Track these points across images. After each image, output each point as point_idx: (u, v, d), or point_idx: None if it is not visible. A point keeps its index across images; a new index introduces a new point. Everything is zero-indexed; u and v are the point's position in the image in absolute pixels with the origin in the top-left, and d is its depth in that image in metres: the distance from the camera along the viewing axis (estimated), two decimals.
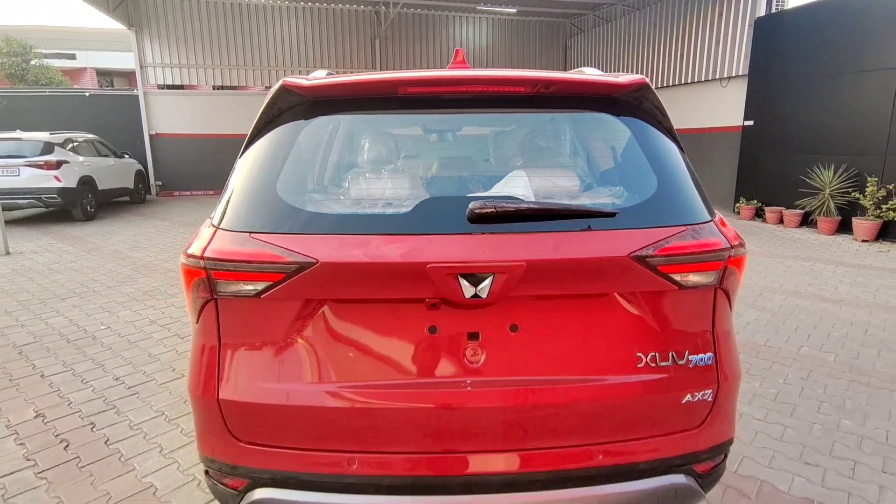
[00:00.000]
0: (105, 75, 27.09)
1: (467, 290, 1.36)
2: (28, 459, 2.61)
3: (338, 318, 1.47)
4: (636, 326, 1.50)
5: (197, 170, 14.02)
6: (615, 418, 1.48)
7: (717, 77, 11.01)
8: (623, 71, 13.92)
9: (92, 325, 4.51)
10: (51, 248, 7.67)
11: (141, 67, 13.43)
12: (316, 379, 1.46)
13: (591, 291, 1.47)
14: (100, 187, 10.36)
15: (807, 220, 8.84)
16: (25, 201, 9.07)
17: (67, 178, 9.35)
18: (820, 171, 8.41)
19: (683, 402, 1.50)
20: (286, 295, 1.42)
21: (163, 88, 14.00)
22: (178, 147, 13.91)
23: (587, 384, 1.46)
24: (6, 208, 8.96)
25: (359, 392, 1.45)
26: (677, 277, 1.47)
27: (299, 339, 1.47)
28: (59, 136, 9.84)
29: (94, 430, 2.89)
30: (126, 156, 12.00)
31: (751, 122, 10.05)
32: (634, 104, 1.65)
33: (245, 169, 1.57)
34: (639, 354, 1.49)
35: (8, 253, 7.26)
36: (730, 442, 1.65)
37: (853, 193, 8.01)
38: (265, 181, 1.52)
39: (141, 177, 12.58)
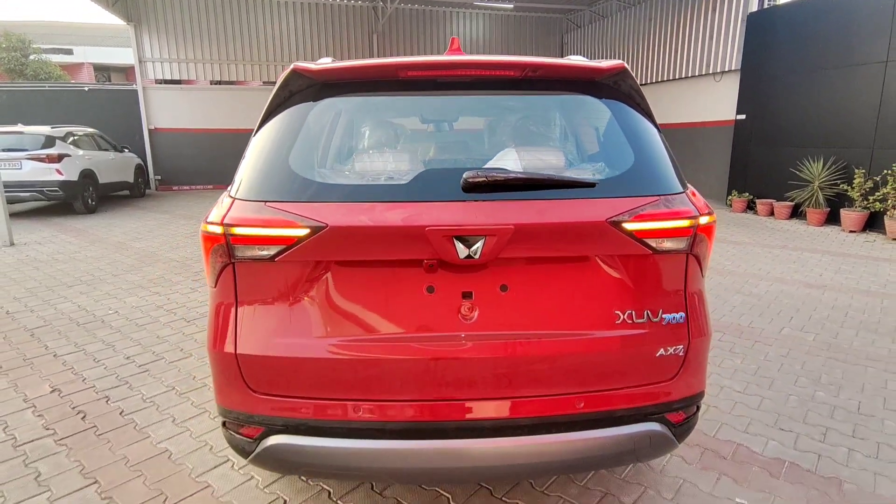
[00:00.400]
0: (102, 70, 27.11)
1: (461, 251, 1.52)
2: (47, 429, 2.76)
3: (345, 278, 1.63)
4: (615, 287, 1.66)
5: (196, 164, 14.13)
6: (595, 370, 1.64)
7: (711, 72, 11.17)
8: None
9: (100, 310, 4.65)
10: (54, 239, 7.80)
11: (140, 62, 13.52)
12: (324, 334, 1.62)
13: (573, 254, 1.63)
14: (100, 181, 10.47)
15: (797, 212, 9.03)
16: (28, 194, 9.18)
17: (69, 172, 9.46)
18: (809, 163, 8.59)
19: (657, 355, 1.66)
20: (298, 257, 1.57)
21: (161, 83, 14.08)
22: (177, 142, 14.02)
23: (570, 338, 1.62)
24: (10, 201, 9.08)
25: (363, 345, 1.60)
26: (652, 243, 1.62)
27: (309, 298, 1.63)
28: (60, 130, 9.95)
29: (108, 402, 3.04)
30: (126, 150, 12.10)
31: (743, 116, 10.23)
32: (614, 87, 1.80)
33: (259, 144, 1.72)
34: (617, 312, 1.65)
35: (12, 244, 7.38)
36: (700, 395, 1.81)
37: (841, 185, 8.20)
38: (278, 155, 1.67)
39: (140, 171, 12.69)
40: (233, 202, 1.64)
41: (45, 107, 13.09)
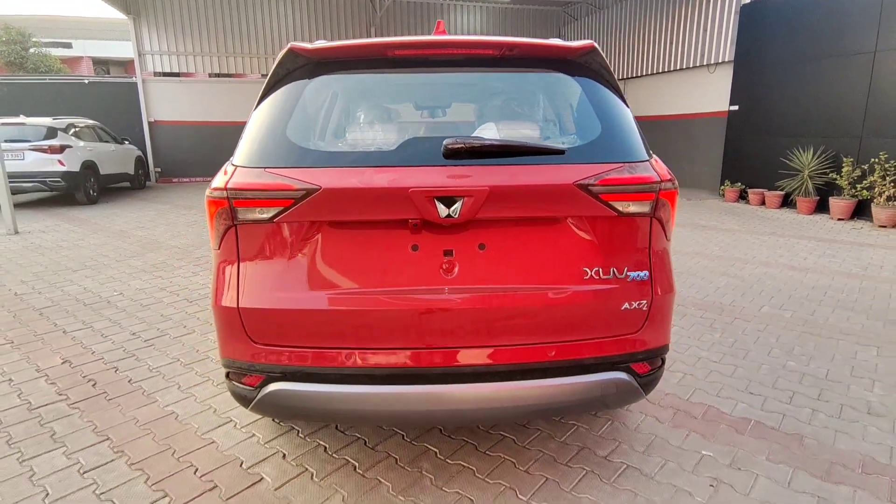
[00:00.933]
0: (101, 64, 27.19)
1: (442, 211, 1.68)
2: (60, 394, 2.93)
3: (337, 238, 1.79)
4: (584, 246, 1.82)
5: (196, 156, 14.26)
6: (565, 321, 1.80)
7: (705, 63, 11.30)
8: (616, 58, 14.20)
9: (105, 292, 4.81)
10: (58, 228, 7.95)
11: (139, 55, 13.63)
12: (318, 288, 1.78)
13: (545, 215, 1.79)
14: (101, 172, 10.61)
15: (787, 201, 9.19)
16: (30, 185, 9.33)
17: (70, 162, 9.61)
18: (799, 153, 8.75)
19: (622, 309, 1.83)
20: (294, 218, 1.74)
21: (160, 76, 14.20)
22: (177, 134, 14.15)
23: (542, 292, 1.78)
24: (13, 192, 9.23)
25: (354, 298, 1.77)
26: (617, 206, 1.79)
27: (304, 256, 1.79)
28: (62, 122, 10.08)
29: (117, 372, 3.21)
30: (126, 142, 12.24)
31: (736, 107, 10.37)
32: (585, 65, 1.96)
33: (259, 117, 1.88)
34: (585, 269, 1.81)
35: (17, 232, 7.54)
36: (664, 348, 1.97)
37: (830, 174, 8.35)
38: (276, 126, 1.83)
39: (141, 163, 12.83)
40: (235, 169, 1.80)
41: (45, 99, 13.22)
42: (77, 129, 10.35)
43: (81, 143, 10.15)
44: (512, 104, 2.20)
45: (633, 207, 1.81)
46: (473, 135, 1.93)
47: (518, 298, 1.77)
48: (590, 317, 1.82)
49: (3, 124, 9.47)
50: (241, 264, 1.81)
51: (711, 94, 11.21)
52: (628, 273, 1.84)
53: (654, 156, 1.92)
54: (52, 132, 9.63)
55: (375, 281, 1.78)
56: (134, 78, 13.90)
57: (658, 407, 2.75)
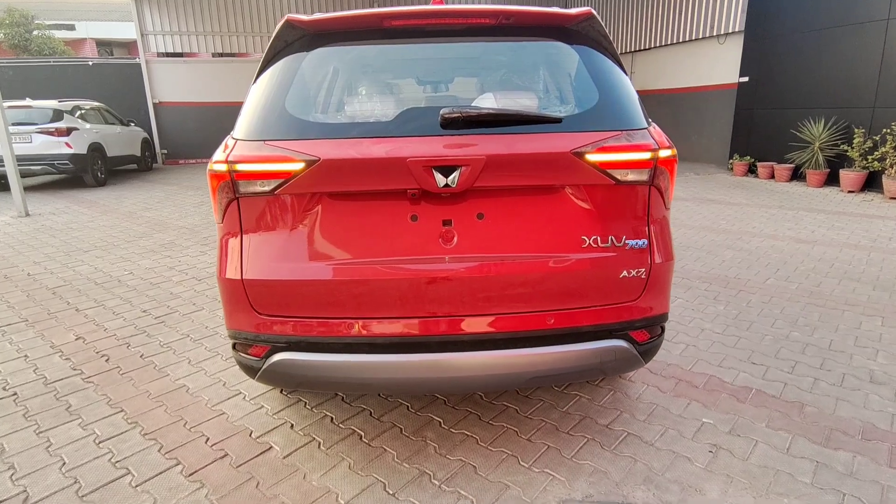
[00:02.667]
0: (105, 46, 27.08)
1: (440, 180, 1.69)
2: (74, 369, 3.01)
3: (338, 209, 1.81)
4: (582, 215, 1.83)
5: (201, 137, 14.26)
6: (564, 289, 1.82)
7: (714, 34, 11.06)
8: (622, 31, 13.93)
9: (116, 272, 4.89)
10: (67, 210, 8.04)
11: (142, 35, 13.55)
12: (320, 258, 1.81)
13: (542, 183, 1.79)
14: (108, 154, 10.67)
15: (797, 175, 9.07)
16: (39, 167, 9.41)
17: (77, 145, 9.66)
18: (811, 124, 8.60)
19: (620, 277, 1.84)
20: (295, 190, 1.76)
21: (164, 56, 14.13)
22: (182, 115, 14.14)
23: (541, 260, 1.80)
24: (23, 175, 9.30)
25: (355, 268, 1.79)
26: (615, 174, 1.79)
27: (305, 227, 1.81)
28: (68, 104, 10.11)
29: (129, 348, 3.28)
30: (132, 124, 12.26)
31: (746, 79, 10.18)
32: (583, 32, 1.94)
33: (258, 91, 1.89)
34: (584, 237, 1.82)
35: (28, 214, 7.64)
36: (663, 317, 1.99)
37: (841, 146, 8.22)
38: (275, 99, 1.84)
39: (147, 145, 12.86)
40: (235, 143, 1.82)
41: (50, 82, 13.23)
42: (83, 112, 10.37)
43: (88, 126, 10.19)
44: (510, 74, 2.18)
45: (630, 176, 1.81)
46: (472, 105, 1.93)
47: (517, 267, 1.79)
48: (588, 285, 1.84)
49: (10, 107, 9.50)
50: (244, 237, 1.84)
51: (720, 65, 10.99)
52: (627, 241, 1.85)
53: (652, 123, 1.91)
54: (58, 115, 9.67)
55: (376, 251, 1.80)
56: (137, 59, 13.85)
57: (660, 377, 2.78)
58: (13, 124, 9.22)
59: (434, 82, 2.22)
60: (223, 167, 1.77)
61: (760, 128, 9.90)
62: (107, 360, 3.11)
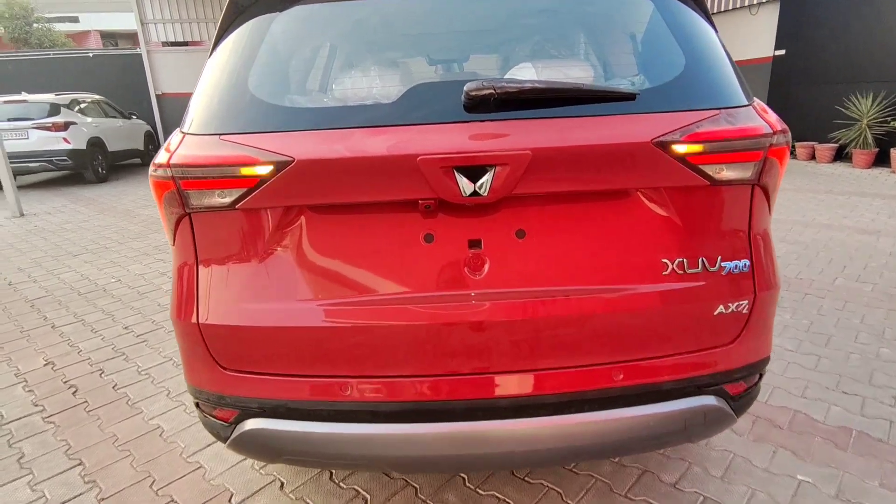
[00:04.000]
0: (109, 37, 26.70)
1: (465, 186, 1.18)
2: (36, 405, 2.59)
3: (323, 227, 1.31)
4: (661, 229, 1.31)
5: None
6: (637, 333, 1.32)
7: (746, 4, 10.26)
8: None
9: (103, 279, 4.47)
10: (64, 209, 7.67)
11: (142, 24, 13.07)
12: (302, 297, 1.32)
13: (608, 187, 1.28)
14: (109, 149, 10.27)
15: (841, 155, 8.36)
16: (37, 164, 9.05)
17: (76, 140, 9.27)
18: (857, 100, 7.87)
19: (715, 314, 1.33)
20: (263, 202, 1.26)
21: (166, 46, 13.67)
22: (186, 106, 13.67)
23: (605, 295, 1.29)
24: (20, 172, 8.98)
25: (349, 310, 1.30)
26: (709, 170, 1.26)
27: (282, 254, 1.32)
28: (65, 98, 9.72)
29: (102, 375, 2.85)
30: (133, 117, 11.85)
31: (782, 52, 9.41)
32: None
33: (214, 66, 1.39)
34: (664, 261, 1.31)
35: (22, 215, 7.28)
36: (766, 360, 1.48)
37: (892, 122, 7.50)
38: (235, 77, 1.34)
39: (150, 138, 12.46)
40: (182, 138, 1.33)
41: (50, 75, 12.86)
42: (82, 106, 9.98)
43: (87, 120, 9.80)
44: (556, 37, 1.64)
45: (729, 172, 1.29)
46: (507, 78, 1.40)
47: (572, 304, 1.28)
48: (671, 326, 1.33)
49: (5, 102, 9.14)
50: (200, 267, 1.36)
51: (753, 38, 10.20)
52: (723, 263, 1.33)
53: (755, 98, 1.38)
54: (55, 109, 9.28)
55: (376, 285, 1.31)
56: (139, 49, 13.39)
57: None
58: (8, 120, 8.88)
59: (452, 49, 1.65)
60: (165, 172, 1.29)
61: (799, 105, 9.16)
62: (74, 393, 2.68)
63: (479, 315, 1.27)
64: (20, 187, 9.19)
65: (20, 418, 2.49)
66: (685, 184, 1.27)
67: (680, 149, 1.22)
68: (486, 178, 1.18)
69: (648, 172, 1.25)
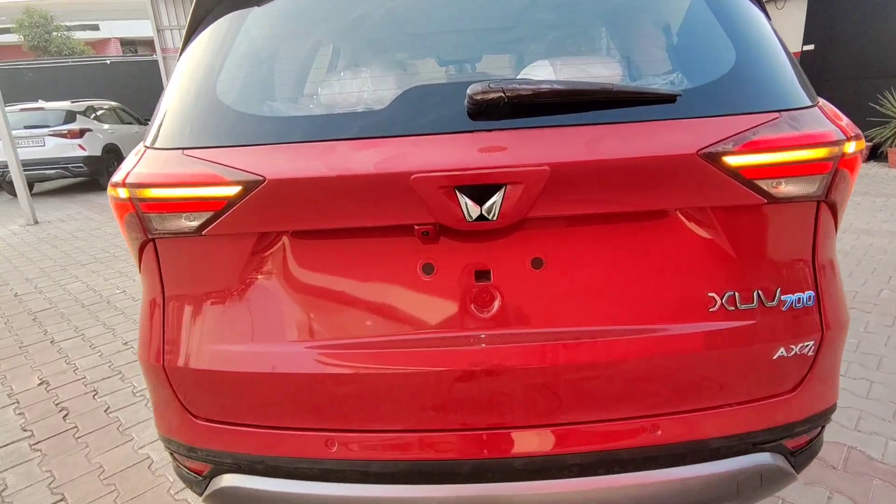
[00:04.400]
0: (129, 45, 27.07)
1: (470, 209, 0.98)
2: (25, 430, 2.46)
3: (306, 257, 1.12)
4: (707, 257, 1.09)
5: None
6: (680, 382, 1.10)
7: None
8: None
9: (107, 290, 4.37)
10: (78, 216, 7.66)
11: (158, 31, 13.10)
12: (281, 338, 1.13)
13: (643, 208, 1.06)
14: (125, 155, 10.21)
15: (875, 154, 7.95)
16: (53, 171, 9.08)
17: (92, 147, 9.29)
18: (892, 95, 7.46)
19: (775, 357, 1.10)
20: (233, 228, 1.08)
21: None
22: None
23: (641, 336, 1.07)
24: (37, 180, 9.02)
25: (335, 353, 1.11)
26: (766, 186, 1.04)
27: (258, 289, 1.14)
28: (81, 105, 9.76)
29: (95, 397, 2.71)
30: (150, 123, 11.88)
31: (811, 47, 9.00)
32: None
33: (180, 72, 1.21)
34: (711, 295, 1.08)
35: (37, 222, 7.27)
36: (832, 409, 1.25)
37: None
38: (202, 82, 1.16)
39: None
40: (143, 153, 1.15)
41: (69, 82, 12.99)
42: (98, 113, 10.01)
43: (104, 126, 9.83)
44: (574, 25, 1.41)
45: (791, 187, 1.06)
46: (520, 77, 1.20)
47: (601, 348, 1.07)
48: (720, 373, 1.11)
49: (22, 110, 9.19)
50: (167, 300, 1.18)
51: (780, 33, 9.79)
52: (783, 297, 1.11)
53: (820, 98, 1.16)
54: (70, 116, 9.32)
55: (367, 325, 1.11)
56: (155, 56, 13.45)
57: None
58: (25, 127, 8.92)
59: (452, 46, 1.40)
60: (123, 192, 1.11)
61: (829, 102, 8.72)
62: (65, 417, 2.55)
63: (489, 360, 1.07)
64: (37, 194, 9.26)
65: (7, 444, 2.36)
66: (737, 202, 1.05)
67: (733, 161, 1.00)
68: (496, 200, 0.97)
69: (692, 190, 1.03)
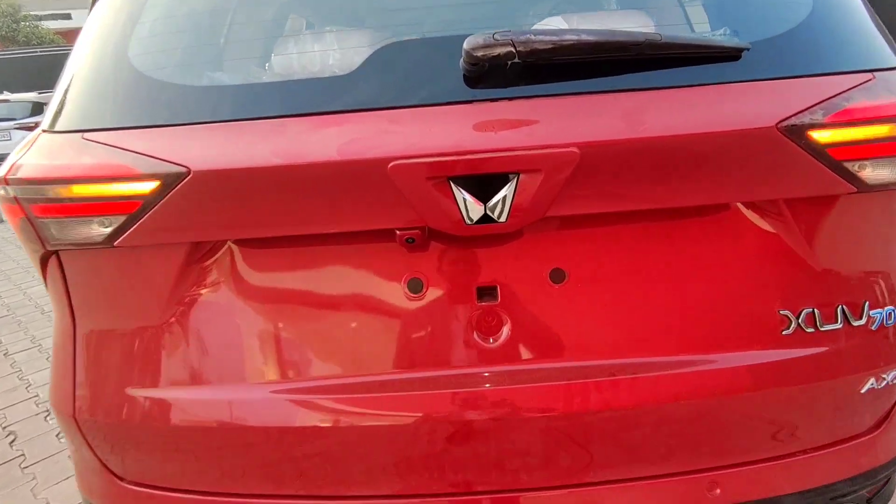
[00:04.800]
0: None
1: (471, 208, 0.72)
2: None
3: (251, 274, 0.86)
4: (780, 264, 0.84)
5: None
6: (744, 426, 0.86)
7: None
8: None
9: None
10: None
11: None
12: (223, 381, 0.87)
13: (696, 202, 0.81)
14: None
15: None
16: None
17: None
18: None
19: (863, 391, 0.86)
20: (154, 237, 0.81)
21: None
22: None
23: (694, 370, 0.83)
24: None
25: (297, 401, 0.85)
26: (857, 169, 0.79)
27: (193, 316, 0.87)
28: (48, 96, 9.30)
29: (47, 419, 2.43)
30: None
31: None
32: None
33: (86, 34, 0.94)
34: (784, 313, 0.84)
35: (2, 221, 6.88)
36: None
37: None
38: (109, 43, 0.88)
39: None
40: (35, 139, 0.88)
41: (39, 73, 12.38)
42: None
43: None
44: None
45: (887, 171, 0.81)
46: (534, 29, 0.93)
47: (640, 386, 0.82)
48: (795, 413, 0.87)
49: None
50: (78, 330, 0.91)
51: None
52: (871, 313, 0.86)
53: None
54: (38, 108, 8.88)
55: (335, 362, 0.85)
56: None
57: None
58: None
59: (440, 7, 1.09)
60: (7, 192, 0.83)
61: None
62: (12, 443, 2.27)
63: (496, 405, 0.82)
64: None
65: None
66: (820, 192, 0.80)
67: (821, 136, 0.75)
68: (505, 195, 0.71)
69: (763, 177, 0.78)
